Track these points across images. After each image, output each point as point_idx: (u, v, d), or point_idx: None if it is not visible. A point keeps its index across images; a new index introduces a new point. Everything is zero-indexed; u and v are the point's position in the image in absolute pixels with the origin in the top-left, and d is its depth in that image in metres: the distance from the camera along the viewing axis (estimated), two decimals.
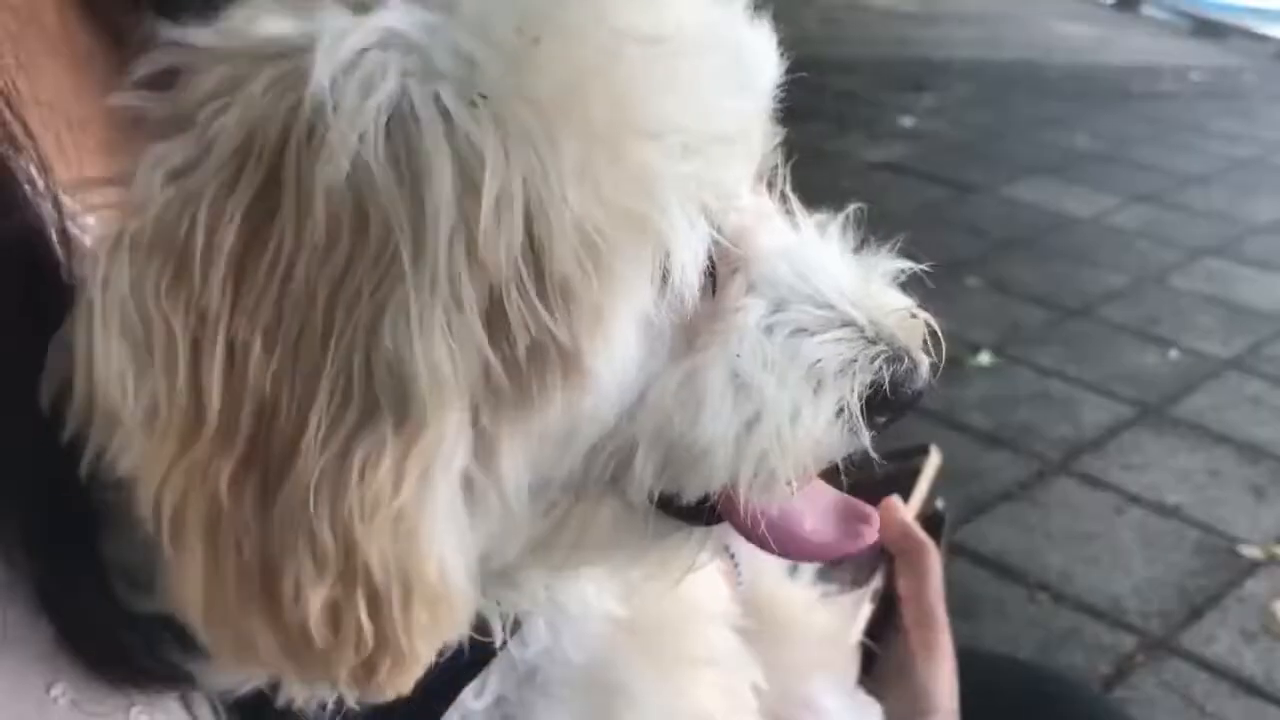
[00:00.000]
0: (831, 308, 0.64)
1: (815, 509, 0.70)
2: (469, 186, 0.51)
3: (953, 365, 3.87)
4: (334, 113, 0.50)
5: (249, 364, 0.51)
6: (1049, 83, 8.49)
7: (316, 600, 0.52)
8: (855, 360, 0.63)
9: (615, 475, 0.62)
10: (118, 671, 0.61)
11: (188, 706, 0.66)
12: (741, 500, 0.62)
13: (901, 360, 0.64)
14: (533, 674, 0.74)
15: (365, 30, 0.53)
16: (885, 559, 1.17)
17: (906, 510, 1.20)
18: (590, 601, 0.74)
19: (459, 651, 0.67)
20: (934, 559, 1.16)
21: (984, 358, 4.50)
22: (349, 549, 0.52)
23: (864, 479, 1.39)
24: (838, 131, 7.24)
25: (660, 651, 0.77)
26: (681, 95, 0.56)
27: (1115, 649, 2.99)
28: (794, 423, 0.61)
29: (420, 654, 0.57)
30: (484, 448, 0.56)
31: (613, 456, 0.61)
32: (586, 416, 0.58)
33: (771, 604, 1.09)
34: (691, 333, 0.61)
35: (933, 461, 1.32)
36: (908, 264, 0.71)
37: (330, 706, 0.65)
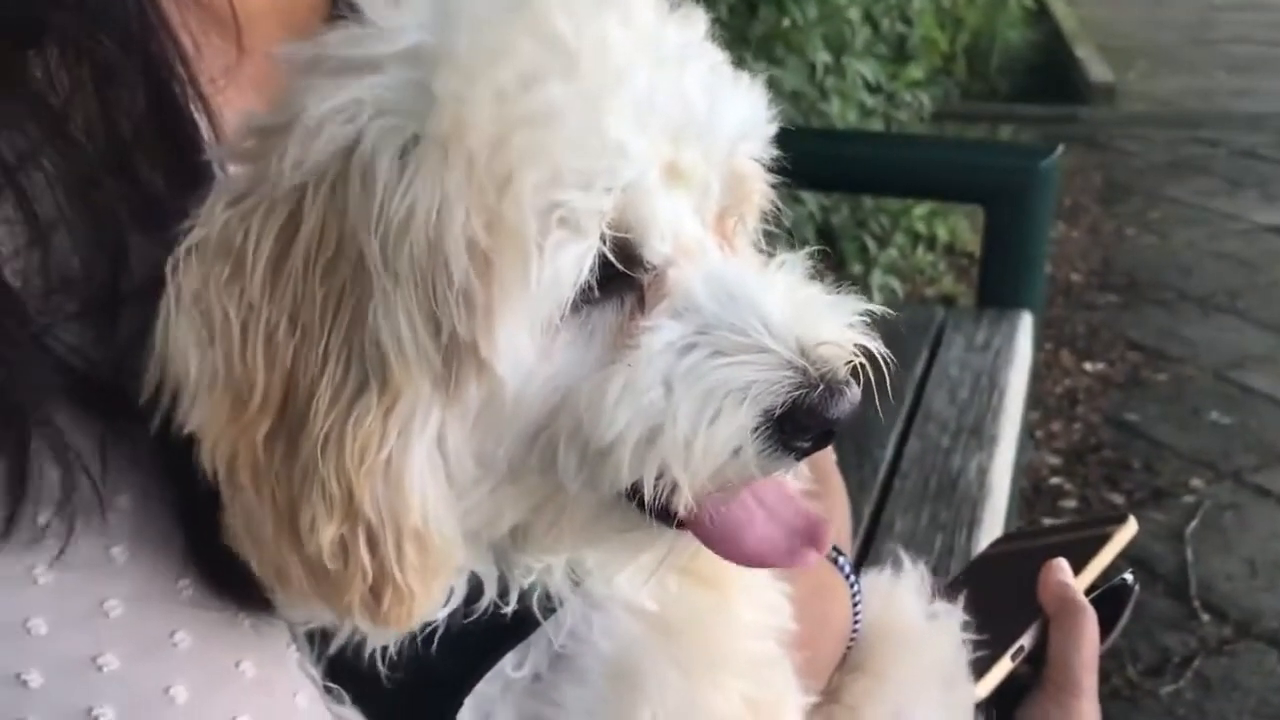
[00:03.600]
0: (746, 335, 0.68)
1: (769, 519, 0.74)
2: (406, 210, 0.64)
3: None
4: (327, 163, 0.65)
5: (278, 344, 0.65)
6: None
7: (327, 535, 0.65)
8: (755, 382, 0.67)
9: (549, 462, 0.70)
10: (227, 585, 0.74)
11: (294, 634, 0.81)
12: (648, 497, 0.68)
13: (817, 386, 0.67)
14: (565, 657, 0.82)
15: (350, 95, 0.66)
16: (1041, 618, 1.17)
17: (1069, 573, 1.18)
18: (621, 594, 0.81)
19: (493, 619, 0.78)
20: (1089, 625, 1.14)
21: None
22: (349, 493, 0.64)
23: (1054, 540, 1.38)
24: (1229, 190, 6.74)
25: (687, 653, 0.82)
26: (561, 141, 0.65)
27: None
28: (692, 437, 0.66)
29: (415, 590, 0.68)
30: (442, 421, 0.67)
31: (547, 446, 0.69)
32: (509, 405, 0.67)
33: (889, 631, 1.13)
34: (618, 348, 0.68)
35: (1126, 531, 1.28)
36: (875, 307, 0.74)
37: (390, 653, 0.77)
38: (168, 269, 0.66)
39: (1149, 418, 4.46)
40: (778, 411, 0.67)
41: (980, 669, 1.13)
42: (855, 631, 1.13)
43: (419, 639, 0.78)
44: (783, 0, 4.71)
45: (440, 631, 0.78)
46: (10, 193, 0.68)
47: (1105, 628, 1.22)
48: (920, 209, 5.67)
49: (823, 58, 4.96)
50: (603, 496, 0.71)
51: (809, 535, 0.74)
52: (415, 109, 0.65)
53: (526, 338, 0.66)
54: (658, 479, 0.67)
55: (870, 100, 5.42)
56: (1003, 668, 1.13)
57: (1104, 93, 8.93)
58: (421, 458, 0.67)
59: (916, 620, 1.13)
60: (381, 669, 0.78)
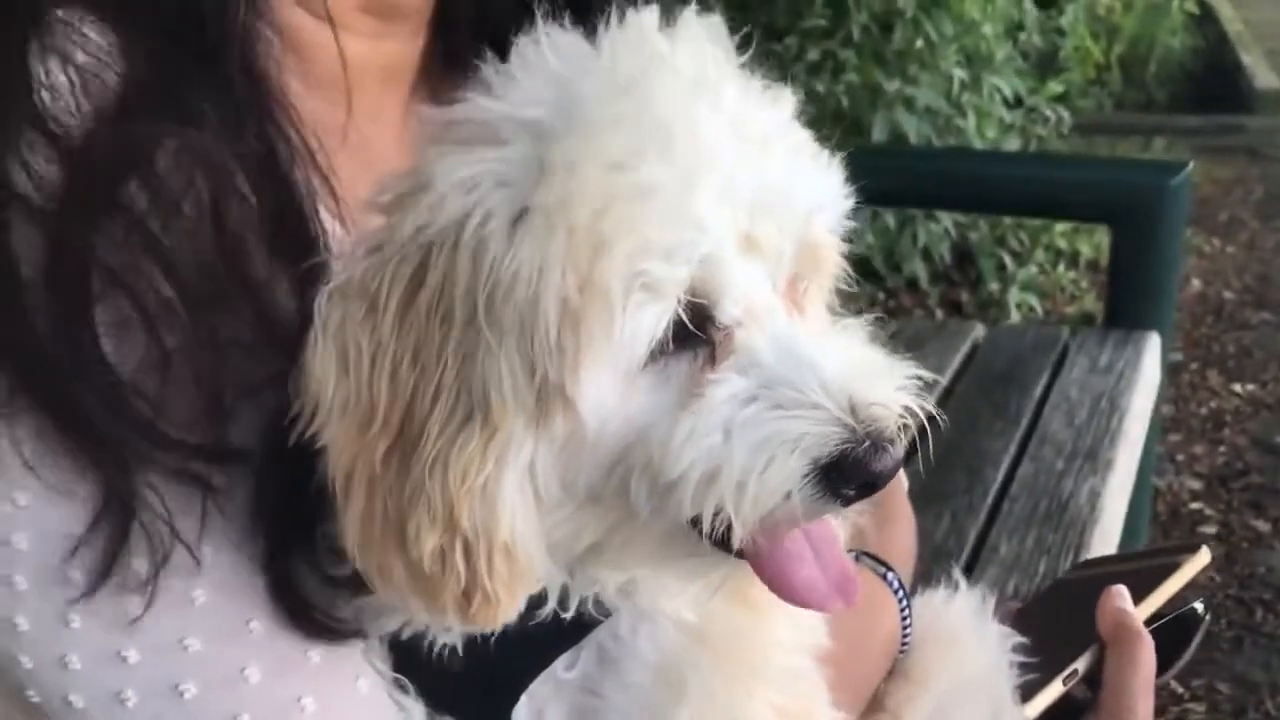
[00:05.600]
0: (803, 392, 0.74)
1: (815, 563, 0.80)
2: (513, 273, 0.73)
3: None
4: (450, 227, 0.75)
5: (401, 377, 0.75)
6: None
7: (429, 543, 0.74)
8: (807, 434, 0.73)
9: (623, 490, 0.77)
10: (302, 624, 0.84)
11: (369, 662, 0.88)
12: (705, 528, 0.75)
13: (863, 442, 0.73)
14: (612, 661, 0.89)
15: (475, 169, 0.75)
16: (1098, 644, 1.18)
17: (1127, 600, 1.19)
18: (665, 608, 0.88)
19: (552, 624, 0.85)
20: (1144, 651, 1.14)
21: None
22: (450, 509, 0.74)
23: (1127, 568, 1.39)
24: None
25: (723, 663, 0.88)
26: (651, 215, 0.72)
27: None
28: (746, 480, 0.73)
29: (501, 597, 0.76)
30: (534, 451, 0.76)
31: (623, 476, 0.77)
32: (590, 439, 0.76)
33: (935, 641, 1.16)
34: (689, 396, 0.76)
35: (1197, 562, 1.28)
36: (928, 374, 0.80)
37: (453, 648, 0.86)
38: (316, 304, 0.77)
39: None
40: (824, 461, 0.74)
41: (1034, 691, 1.16)
42: (905, 645, 1.17)
43: (481, 640, 0.86)
44: (918, 18, 4.71)
45: (502, 634, 0.85)
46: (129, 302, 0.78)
47: (1175, 655, 1.23)
48: (1062, 225, 5.56)
49: (959, 74, 4.93)
50: (669, 524, 0.79)
51: (842, 588, 0.81)
52: (529, 181, 0.74)
53: (608, 382, 0.75)
54: (715, 514, 0.75)
55: (1008, 116, 5.35)
56: (1054, 690, 1.15)
57: (1271, 100, 8.57)
58: (513, 483, 0.76)
59: (963, 632, 1.17)
60: (446, 664, 0.87)
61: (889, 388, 0.77)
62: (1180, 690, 3.16)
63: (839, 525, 0.89)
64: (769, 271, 0.79)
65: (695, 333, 0.76)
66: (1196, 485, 4.06)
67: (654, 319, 0.74)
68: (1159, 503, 3.94)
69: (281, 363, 0.80)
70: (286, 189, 0.87)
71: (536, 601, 0.86)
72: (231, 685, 0.82)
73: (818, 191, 0.81)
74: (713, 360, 0.77)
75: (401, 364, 0.75)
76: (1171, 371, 4.87)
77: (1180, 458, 4.19)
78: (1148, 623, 1.21)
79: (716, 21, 0.83)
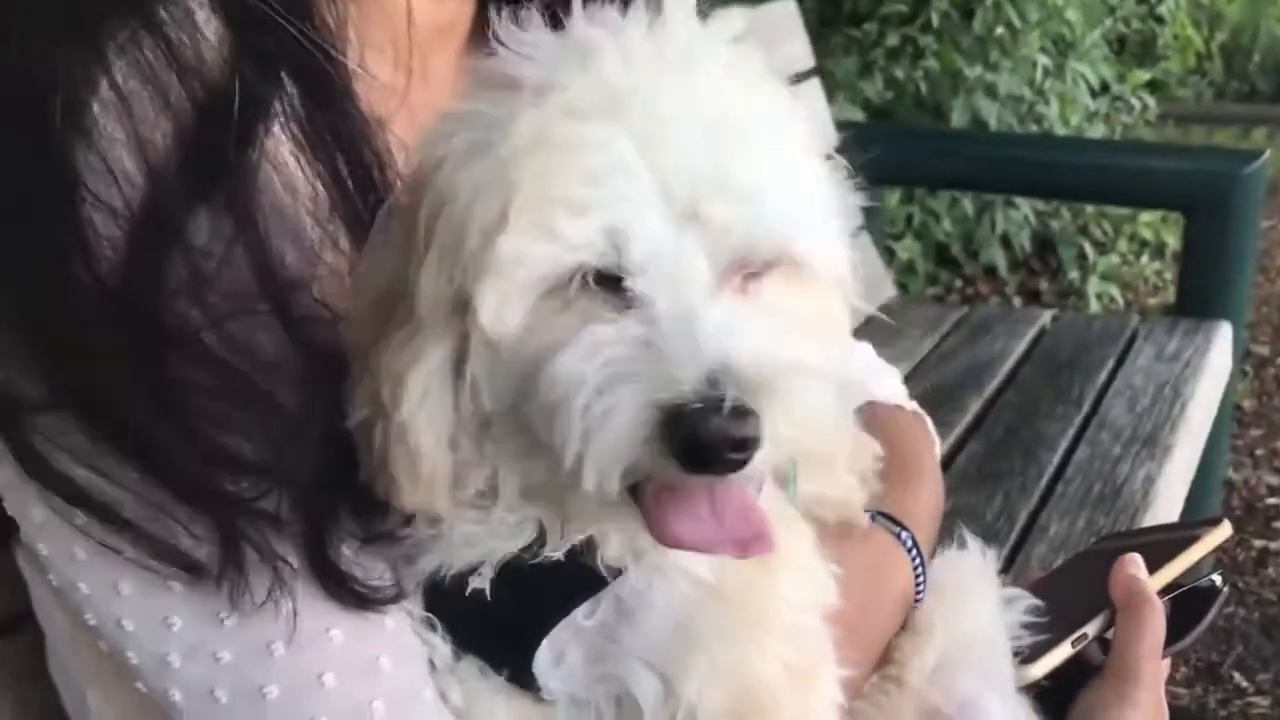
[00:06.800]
0: (672, 344, 0.76)
1: (711, 514, 0.80)
2: (450, 195, 0.81)
3: None
4: (433, 161, 0.83)
5: (394, 279, 0.84)
6: None
7: (361, 412, 0.84)
8: (647, 375, 0.75)
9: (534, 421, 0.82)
10: (339, 595, 0.91)
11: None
12: (566, 464, 0.77)
13: (695, 402, 0.73)
14: (629, 613, 0.93)
15: (462, 117, 0.83)
16: (1109, 609, 1.21)
17: (1141, 568, 1.22)
18: (679, 563, 0.91)
19: (571, 574, 0.91)
20: (1153, 617, 1.17)
21: None
22: (376, 389, 0.83)
23: (1149, 539, 1.41)
24: None
25: (735, 617, 0.92)
26: (575, 168, 0.78)
27: None
28: (589, 407, 0.75)
29: (401, 483, 0.83)
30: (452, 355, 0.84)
31: (529, 400, 0.81)
32: (496, 354, 0.81)
33: (940, 597, 1.20)
34: (585, 333, 0.80)
35: (1217, 534, 1.29)
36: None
37: (481, 591, 0.91)
38: (378, 219, 0.89)
39: None
40: (664, 417, 0.74)
41: (1043, 652, 1.19)
42: (919, 600, 1.21)
43: (506, 586, 0.92)
44: (999, 3, 4.68)
45: (524, 582, 0.91)
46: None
47: (1191, 626, 1.25)
48: (1148, 215, 5.46)
49: (1042, 60, 4.87)
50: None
51: (740, 542, 0.80)
52: (491, 127, 0.80)
53: (512, 307, 0.80)
54: (570, 454, 0.77)
55: (1094, 103, 5.27)
56: (1061, 652, 1.18)
57: None
58: (424, 371, 0.83)
59: (968, 591, 1.20)
60: (473, 606, 0.92)
61: (769, 368, 0.76)
62: (1245, 684, 3.12)
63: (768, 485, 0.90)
64: (708, 248, 0.80)
65: (609, 279, 0.79)
66: (1275, 480, 3.99)
67: (554, 258, 0.78)
68: (1234, 497, 3.88)
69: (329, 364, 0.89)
70: (360, 164, 0.95)
71: (540, 541, 0.91)
72: (266, 618, 0.89)
73: (790, 192, 0.82)
74: (619, 309, 0.79)
75: (393, 270, 0.85)
76: (1257, 365, 4.78)
77: (1260, 452, 4.11)
78: (1165, 592, 1.24)
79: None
